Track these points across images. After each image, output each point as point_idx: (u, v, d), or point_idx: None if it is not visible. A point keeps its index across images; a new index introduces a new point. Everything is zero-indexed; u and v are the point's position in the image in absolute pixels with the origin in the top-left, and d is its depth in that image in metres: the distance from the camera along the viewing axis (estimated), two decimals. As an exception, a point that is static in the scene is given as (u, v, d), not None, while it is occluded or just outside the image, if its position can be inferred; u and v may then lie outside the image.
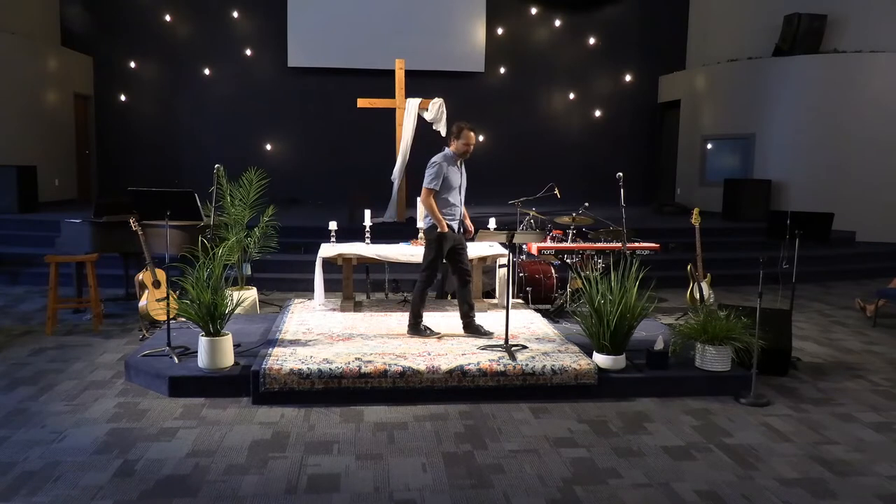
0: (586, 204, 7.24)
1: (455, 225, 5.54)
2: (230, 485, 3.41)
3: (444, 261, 5.63)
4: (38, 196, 10.93)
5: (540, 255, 6.70)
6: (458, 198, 5.55)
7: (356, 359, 4.78)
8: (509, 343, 5.09)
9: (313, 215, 10.79)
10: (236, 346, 4.99)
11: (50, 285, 6.17)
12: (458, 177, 5.53)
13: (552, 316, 6.38)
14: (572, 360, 4.81)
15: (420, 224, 5.97)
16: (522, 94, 14.43)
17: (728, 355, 4.88)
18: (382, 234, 8.21)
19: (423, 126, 9.71)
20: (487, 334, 5.53)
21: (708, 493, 3.41)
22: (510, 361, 4.75)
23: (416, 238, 6.63)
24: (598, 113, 14.78)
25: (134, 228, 6.01)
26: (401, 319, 6.10)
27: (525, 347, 5.18)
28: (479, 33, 13.92)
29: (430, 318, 6.13)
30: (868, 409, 4.63)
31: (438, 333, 5.54)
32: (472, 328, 5.60)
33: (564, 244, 6.55)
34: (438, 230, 5.40)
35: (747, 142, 12.23)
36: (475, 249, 6.61)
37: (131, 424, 4.13)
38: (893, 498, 3.42)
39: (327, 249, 6.47)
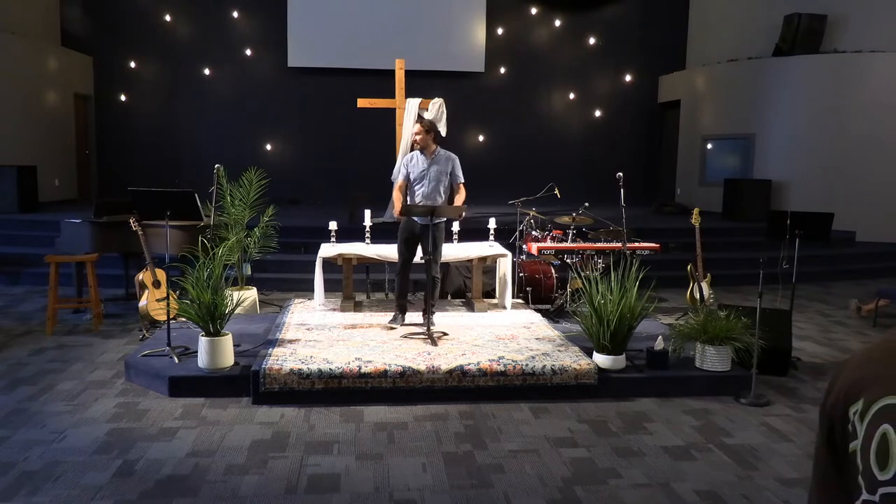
0: (586, 204, 7.24)
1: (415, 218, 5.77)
2: (230, 485, 3.41)
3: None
4: (38, 196, 10.93)
5: (540, 255, 6.70)
6: (422, 191, 5.79)
7: (356, 359, 4.78)
8: (431, 331, 5.33)
9: (313, 215, 10.79)
10: (236, 346, 4.99)
11: (50, 285, 6.17)
12: (424, 170, 5.80)
13: (552, 316, 6.38)
14: (572, 360, 4.82)
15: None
16: (522, 94, 14.43)
17: (728, 355, 4.88)
18: (382, 234, 8.20)
19: (423, 126, 9.70)
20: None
21: (708, 493, 3.41)
22: (509, 362, 4.76)
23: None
24: (598, 113, 14.77)
25: (134, 228, 6.00)
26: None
27: (446, 334, 5.46)
28: (479, 33, 13.92)
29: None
30: (868, 409, 4.63)
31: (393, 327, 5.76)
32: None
33: (564, 244, 6.54)
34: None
35: (747, 142, 12.23)
36: (475, 250, 6.61)
37: (131, 424, 4.13)
38: (893, 498, 3.41)
39: (327, 249, 6.47)
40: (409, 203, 5.85)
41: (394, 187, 5.91)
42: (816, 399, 4.79)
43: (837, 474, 0.94)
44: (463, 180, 5.91)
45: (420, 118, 5.91)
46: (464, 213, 5.97)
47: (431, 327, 5.43)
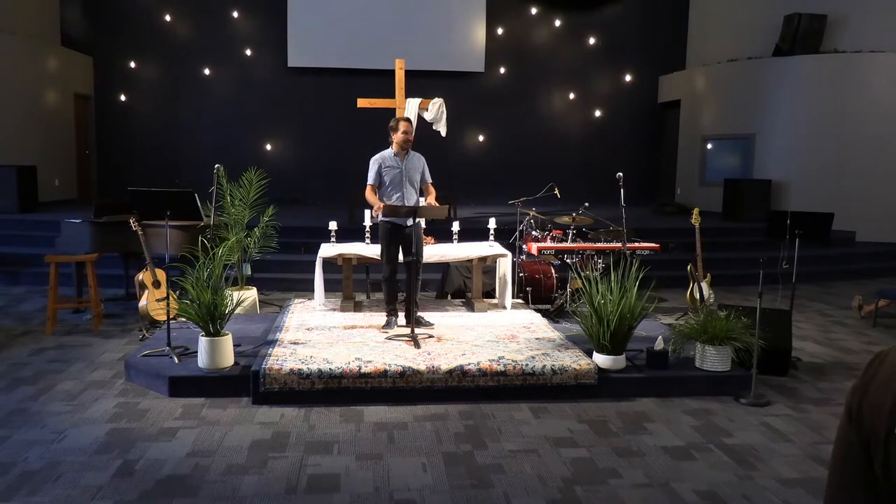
0: (586, 204, 7.23)
1: (396, 220, 5.66)
2: (230, 485, 3.41)
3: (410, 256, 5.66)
4: (38, 196, 10.92)
5: (540, 255, 6.70)
6: (400, 192, 5.70)
7: (356, 359, 4.78)
8: (415, 334, 5.31)
9: (313, 215, 10.79)
10: (236, 346, 4.99)
11: (50, 285, 6.17)
12: (399, 171, 5.69)
13: (552, 316, 6.38)
14: (572, 360, 4.81)
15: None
16: (522, 94, 14.42)
17: (728, 355, 4.88)
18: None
19: (423, 126, 9.71)
20: (428, 324, 5.82)
21: (708, 493, 3.41)
22: (509, 362, 4.76)
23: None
24: (598, 113, 14.77)
25: (134, 228, 6.00)
26: (400, 319, 6.10)
27: (431, 336, 5.46)
28: (479, 33, 13.91)
29: (430, 318, 6.14)
30: (868, 409, 4.62)
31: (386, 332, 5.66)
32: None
33: (564, 244, 6.54)
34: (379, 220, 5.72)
35: (747, 142, 12.23)
36: (475, 250, 6.61)
37: (131, 424, 4.13)
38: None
39: (327, 249, 6.46)
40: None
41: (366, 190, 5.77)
42: (817, 399, 4.80)
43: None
44: (431, 180, 5.92)
45: (407, 118, 5.84)
46: (446, 214, 5.92)
47: (416, 329, 5.41)
